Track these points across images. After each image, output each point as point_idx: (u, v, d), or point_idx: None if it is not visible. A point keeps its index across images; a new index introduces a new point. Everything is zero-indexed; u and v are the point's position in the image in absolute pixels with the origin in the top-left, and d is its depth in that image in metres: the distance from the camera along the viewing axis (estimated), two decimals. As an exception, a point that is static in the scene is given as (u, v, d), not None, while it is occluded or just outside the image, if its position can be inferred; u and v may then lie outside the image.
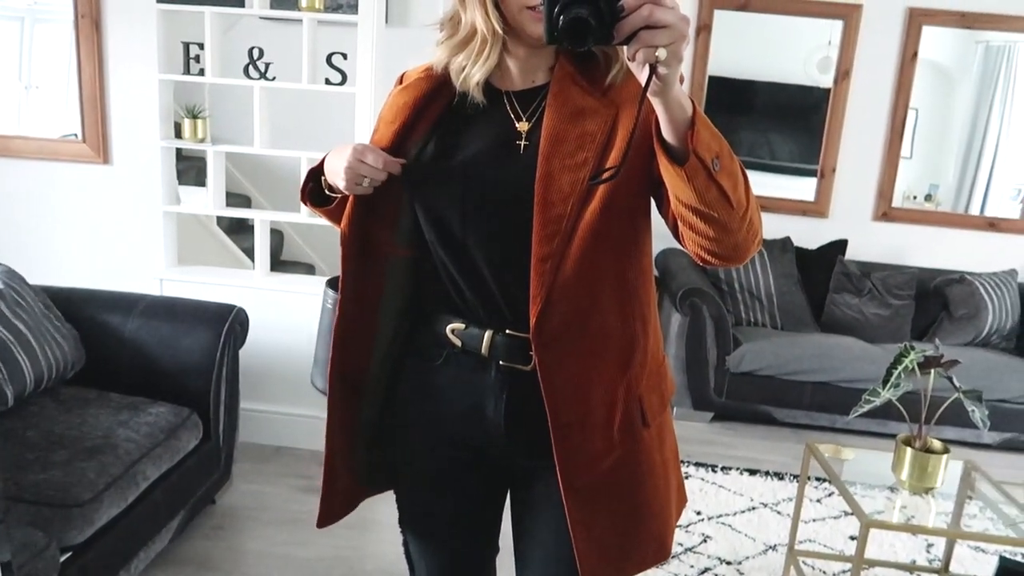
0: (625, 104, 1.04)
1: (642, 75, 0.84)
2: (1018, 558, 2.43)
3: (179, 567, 2.30)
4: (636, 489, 1.14)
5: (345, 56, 2.80)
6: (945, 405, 2.03)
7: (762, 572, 2.49)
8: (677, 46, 0.82)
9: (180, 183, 3.19)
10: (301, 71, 2.81)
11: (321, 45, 2.84)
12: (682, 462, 3.10)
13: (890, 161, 4.11)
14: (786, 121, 4.24)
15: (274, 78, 2.85)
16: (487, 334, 1.11)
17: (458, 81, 1.09)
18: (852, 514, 2.18)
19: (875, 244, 4.15)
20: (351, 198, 1.12)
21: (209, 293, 2.76)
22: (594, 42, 0.84)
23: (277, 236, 4.35)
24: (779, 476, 3.14)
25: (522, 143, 1.08)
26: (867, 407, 2.06)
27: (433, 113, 1.12)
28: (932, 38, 4.02)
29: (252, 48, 2.83)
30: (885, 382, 2.04)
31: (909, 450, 2.04)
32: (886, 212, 4.17)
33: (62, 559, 1.76)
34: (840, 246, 4.02)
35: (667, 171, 0.91)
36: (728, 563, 2.52)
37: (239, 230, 4.11)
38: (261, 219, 3.03)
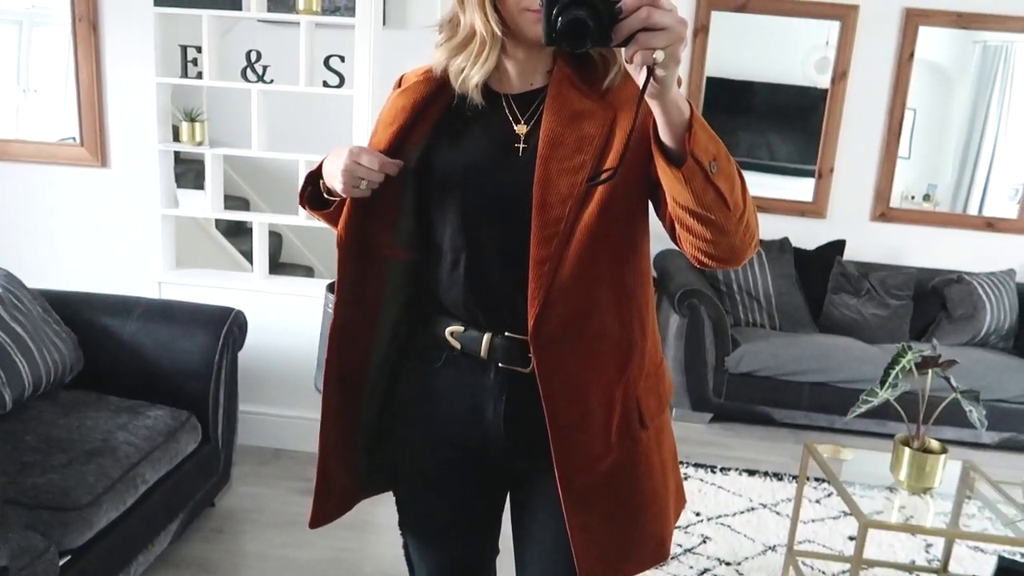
0: (623, 107, 1.04)
1: (640, 77, 0.84)
2: (1017, 558, 2.44)
3: (178, 570, 2.30)
4: (634, 490, 1.14)
5: (343, 59, 2.80)
6: (943, 405, 2.04)
7: (761, 573, 2.50)
8: (675, 48, 0.82)
9: (178, 186, 3.19)
10: (299, 74, 2.82)
11: (318, 48, 2.85)
12: (681, 463, 3.11)
13: (888, 161, 4.12)
14: (784, 122, 4.25)
15: (272, 81, 2.85)
16: (486, 336, 1.12)
17: (457, 83, 1.09)
18: (851, 514, 2.19)
19: (873, 244, 4.15)
20: (348, 201, 1.12)
21: (208, 296, 2.76)
22: (592, 44, 0.84)
23: (276, 239, 4.35)
24: (778, 477, 3.14)
25: (520, 146, 1.09)
26: (865, 407, 2.06)
27: (432, 116, 1.12)
28: (929, 38, 4.02)
29: (250, 51, 2.83)
30: (883, 382, 2.04)
31: (907, 450, 2.04)
32: (884, 212, 4.18)
33: (61, 563, 1.76)
34: (838, 246, 4.02)
35: (664, 173, 0.92)
36: (727, 564, 2.52)
37: (237, 233, 4.11)
38: (259, 222, 3.04)
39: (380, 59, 2.83)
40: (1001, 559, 2.18)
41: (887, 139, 4.10)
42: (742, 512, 2.86)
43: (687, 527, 2.71)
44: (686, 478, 3.04)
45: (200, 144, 2.93)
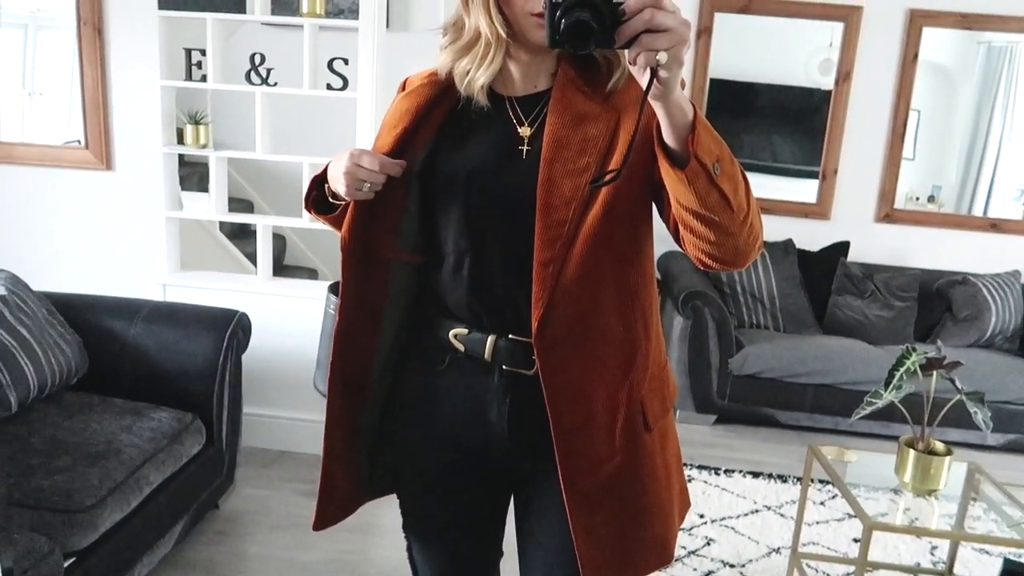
0: (627, 109, 1.04)
1: (643, 79, 0.84)
2: (1022, 560, 2.43)
3: (183, 572, 2.30)
4: (638, 493, 1.14)
5: (346, 61, 2.80)
6: (948, 407, 2.03)
7: (765, 575, 2.49)
8: (678, 50, 0.82)
9: (183, 189, 3.20)
10: (302, 77, 2.82)
11: (322, 50, 2.85)
12: (685, 465, 3.12)
13: (892, 163, 4.11)
14: (788, 123, 4.24)
15: (276, 84, 2.85)
16: (490, 339, 1.12)
17: (462, 85, 1.09)
18: (855, 516, 2.18)
19: (877, 246, 4.15)
20: (352, 204, 1.13)
21: (212, 298, 2.77)
22: (596, 45, 0.84)
23: (279, 241, 4.36)
24: (782, 479, 3.13)
25: (524, 148, 1.09)
26: (869, 409, 2.06)
27: (436, 119, 1.13)
28: (933, 39, 4.02)
29: (254, 54, 2.84)
30: (887, 384, 2.04)
31: (912, 452, 2.03)
32: (888, 214, 4.17)
33: (66, 564, 1.76)
34: (842, 248, 4.02)
35: (668, 175, 0.92)
36: (731, 566, 2.52)
37: (242, 235, 4.12)
38: (263, 224, 3.04)
39: (384, 62, 2.84)
40: (1006, 561, 2.18)
41: (891, 140, 4.09)
42: (746, 514, 2.85)
43: (691, 529, 2.71)
44: (690, 480, 3.04)
45: (204, 147, 2.94)
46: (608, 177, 0.98)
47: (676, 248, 1.04)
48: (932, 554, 2.66)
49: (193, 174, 3.98)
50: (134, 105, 3.11)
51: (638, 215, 1.07)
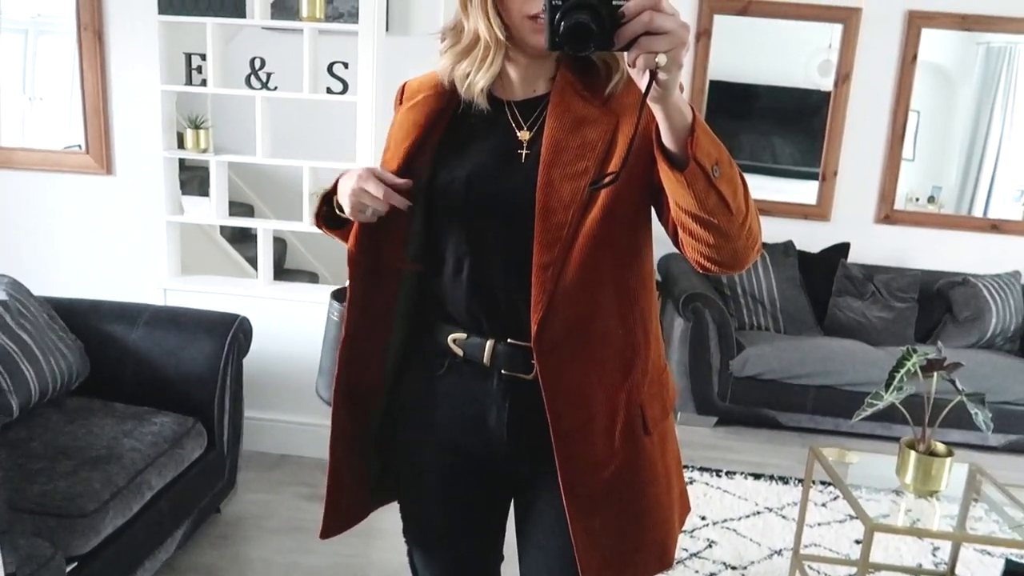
0: (625, 113, 1.04)
1: (642, 81, 0.85)
2: (1025, 561, 2.43)
3: (184, 576, 2.31)
4: (638, 496, 1.14)
5: (346, 65, 2.81)
6: (948, 408, 2.03)
7: (768, 577, 2.49)
8: (677, 52, 0.82)
9: (183, 193, 3.20)
10: (303, 80, 2.83)
11: (322, 54, 2.86)
12: (686, 467, 3.12)
13: (892, 164, 4.12)
14: (787, 125, 4.25)
15: (276, 88, 2.86)
16: (489, 343, 1.12)
17: (462, 88, 1.10)
18: (857, 518, 2.18)
19: (878, 247, 4.15)
20: None
21: (213, 302, 2.77)
22: (595, 48, 0.84)
23: (280, 245, 4.36)
24: (783, 480, 3.13)
25: (523, 152, 1.09)
26: (870, 410, 2.06)
27: (441, 127, 1.13)
28: (932, 40, 4.02)
29: (254, 58, 2.85)
30: (888, 385, 2.04)
31: (913, 453, 2.03)
32: (888, 215, 4.17)
33: (68, 569, 1.77)
34: (842, 249, 4.02)
35: (667, 177, 0.92)
36: (733, 568, 2.51)
37: (242, 239, 4.12)
38: (264, 228, 3.05)
39: (383, 65, 2.84)
40: (1008, 562, 2.17)
41: (891, 141, 4.10)
42: (748, 516, 2.85)
43: (692, 531, 2.71)
44: (691, 482, 3.03)
45: (205, 151, 2.95)
46: (607, 179, 0.98)
47: (676, 250, 1.05)
48: (934, 555, 2.66)
49: (193, 178, 3.98)
50: (134, 110, 3.12)
51: (637, 218, 1.07)
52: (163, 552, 2.18)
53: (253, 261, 3.51)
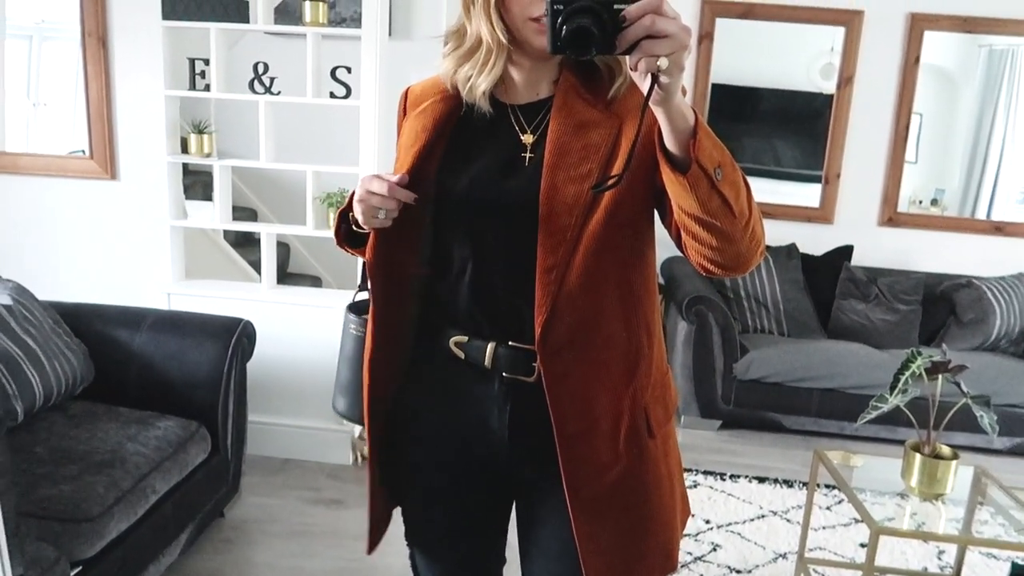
0: (628, 116, 1.05)
1: (644, 85, 0.85)
2: (1031, 564, 2.41)
3: (188, 581, 2.31)
4: (642, 500, 1.14)
5: (349, 69, 2.82)
6: (953, 411, 2.02)
7: (772, 580, 2.48)
8: (678, 56, 0.82)
9: (187, 198, 3.21)
10: (306, 85, 2.84)
11: (325, 59, 2.87)
12: (690, 470, 3.11)
13: (895, 166, 4.11)
14: (790, 128, 4.25)
15: (279, 92, 2.87)
16: (490, 346, 1.12)
17: (465, 91, 1.10)
18: (862, 521, 2.17)
19: (881, 249, 4.14)
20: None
21: (216, 307, 2.78)
22: (597, 51, 0.85)
23: (283, 249, 4.37)
24: (788, 484, 3.12)
25: (527, 155, 1.09)
26: (875, 413, 2.05)
27: (448, 132, 1.13)
28: (935, 43, 4.02)
29: (257, 63, 2.85)
30: (893, 388, 2.03)
31: (918, 456, 2.03)
32: (892, 217, 4.17)
33: (72, 574, 1.77)
34: (846, 252, 4.01)
35: (670, 180, 0.92)
36: (738, 572, 2.51)
37: (246, 243, 4.13)
38: (267, 232, 3.05)
39: (386, 70, 2.85)
40: (1014, 565, 2.17)
41: (894, 144, 4.09)
42: (752, 519, 2.84)
43: (697, 535, 2.70)
44: (695, 486, 3.03)
45: (208, 156, 2.95)
46: (610, 182, 0.98)
47: (680, 253, 1.05)
48: (939, 559, 2.65)
49: (197, 183, 4.00)
50: (138, 115, 3.13)
51: (640, 221, 1.08)
52: (167, 556, 2.18)
53: (256, 265, 3.52)
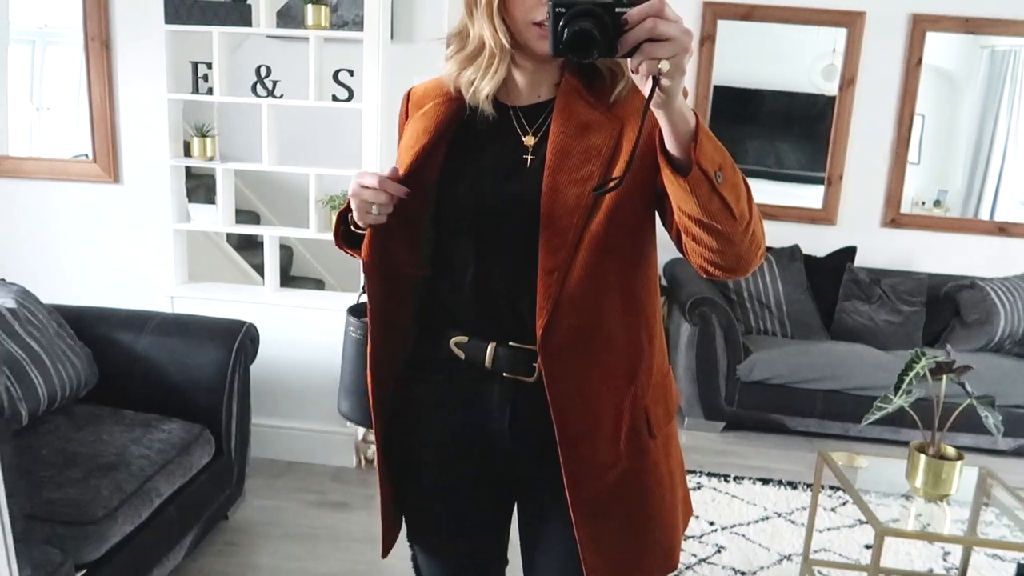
0: (630, 118, 1.05)
1: (645, 87, 0.85)
2: (1036, 565, 2.41)
3: (192, 584, 2.31)
4: (643, 500, 1.14)
5: (351, 72, 2.82)
6: (958, 411, 2.02)
7: (777, 582, 2.48)
8: (680, 58, 0.83)
9: (189, 201, 3.22)
10: (308, 88, 2.84)
11: (327, 62, 2.87)
12: (694, 472, 3.11)
13: (897, 167, 4.11)
14: (792, 129, 4.24)
15: (281, 96, 2.87)
16: (490, 346, 1.12)
17: (468, 94, 1.10)
18: (867, 523, 2.17)
19: (884, 251, 4.14)
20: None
21: (219, 309, 2.78)
22: (598, 54, 0.85)
23: (286, 252, 4.37)
24: (792, 485, 3.12)
25: (529, 157, 1.09)
26: (879, 414, 2.05)
27: (449, 134, 1.13)
28: (937, 44, 4.02)
29: (259, 66, 2.86)
30: (897, 389, 2.03)
31: (923, 457, 2.03)
32: (894, 218, 4.16)
33: (77, 577, 1.77)
34: (849, 253, 4.01)
35: (670, 182, 0.92)
36: (742, 573, 2.50)
37: (248, 246, 4.14)
38: (270, 235, 3.06)
39: (388, 72, 2.86)
40: (1020, 566, 2.16)
41: (896, 145, 4.09)
42: (757, 521, 2.84)
43: (701, 537, 2.70)
44: (699, 487, 3.03)
45: (211, 159, 2.96)
46: (611, 184, 0.99)
47: (681, 255, 1.05)
48: (945, 560, 2.65)
49: (200, 186, 4.00)
50: (141, 118, 3.14)
51: (642, 223, 1.08)
52: (171, 559, 2.19)
53: (259, 268, 3.52)
